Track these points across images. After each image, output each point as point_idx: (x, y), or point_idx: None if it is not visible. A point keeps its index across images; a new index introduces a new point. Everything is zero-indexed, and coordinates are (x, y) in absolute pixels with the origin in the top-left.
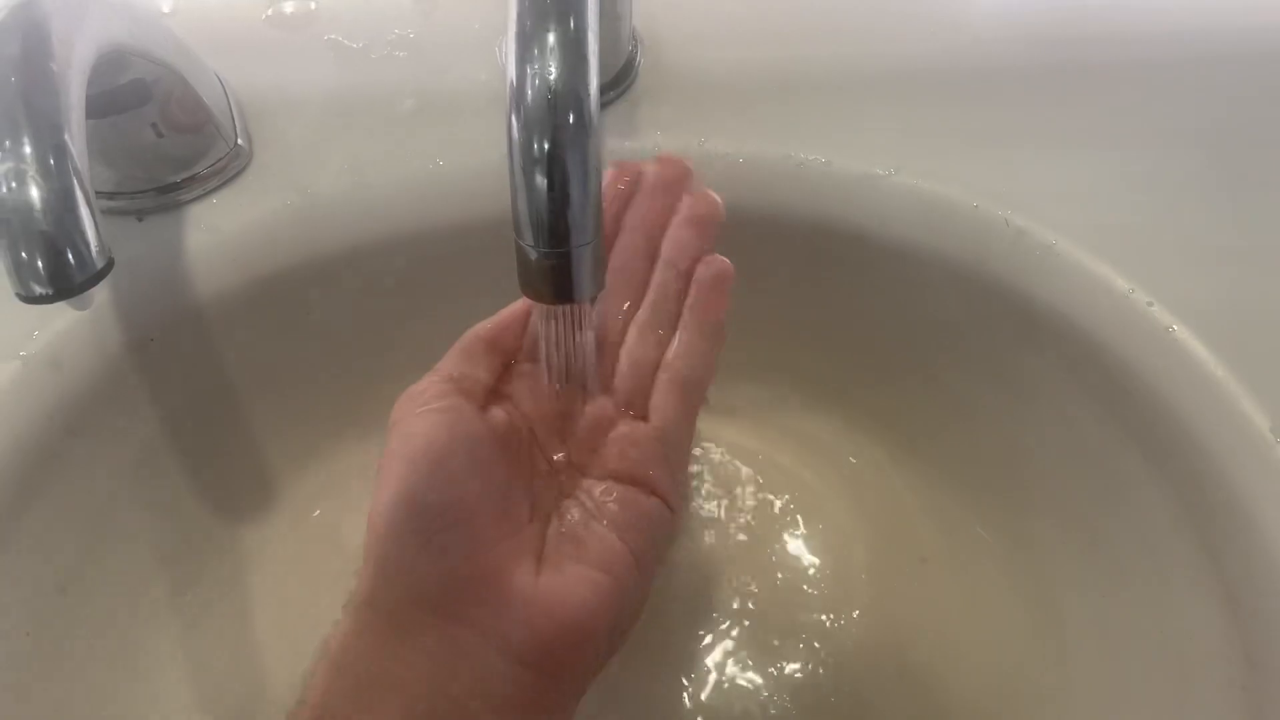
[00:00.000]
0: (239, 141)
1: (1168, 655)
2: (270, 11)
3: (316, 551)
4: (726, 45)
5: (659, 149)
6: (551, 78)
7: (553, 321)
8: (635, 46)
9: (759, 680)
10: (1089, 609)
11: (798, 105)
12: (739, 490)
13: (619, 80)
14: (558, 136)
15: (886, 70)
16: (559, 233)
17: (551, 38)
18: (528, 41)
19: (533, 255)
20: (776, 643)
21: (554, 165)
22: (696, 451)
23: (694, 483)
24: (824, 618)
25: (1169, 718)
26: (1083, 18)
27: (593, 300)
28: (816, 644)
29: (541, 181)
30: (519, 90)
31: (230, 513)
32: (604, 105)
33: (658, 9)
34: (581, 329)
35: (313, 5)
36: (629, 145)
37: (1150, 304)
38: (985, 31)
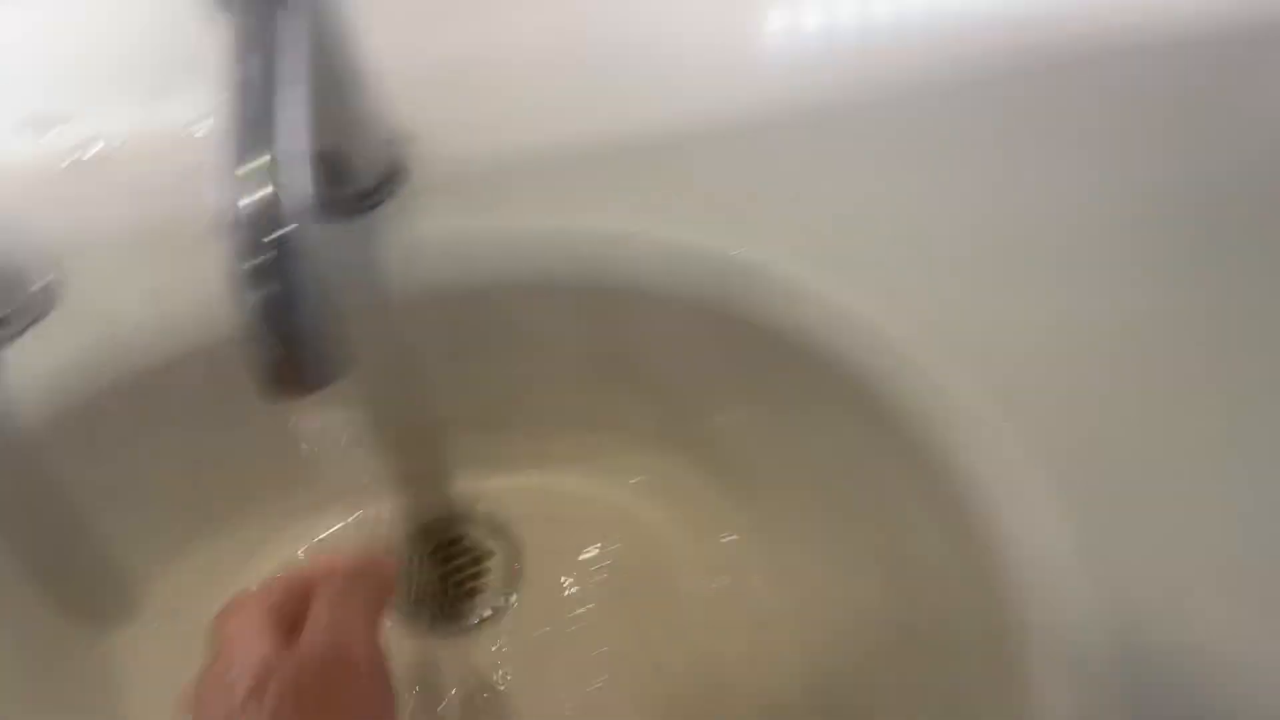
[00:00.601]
0: (44, 283)
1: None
2: (68, 162)
3: (187, 646)
4: (494, 129)
5: (427, 240)
6: (251, 199)
7: None
8: (399, 146)
9: None
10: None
11: (565, 178)
12: (578, 537)
13: (387, 180)
14: (262, 253)
15: (641, 135)
16: (281, 334)
17: (248, 167)
18: (228, 171)
19: (265, 358)
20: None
21: (261, 278)
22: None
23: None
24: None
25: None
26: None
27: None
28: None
29: (253, 294)
30: (225, 216)
31: (95, 619)
32: (371, 207)
33: (426, 103)
34: None
35: (101, 145)
36: (405, 240)
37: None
38: (742, 90)
